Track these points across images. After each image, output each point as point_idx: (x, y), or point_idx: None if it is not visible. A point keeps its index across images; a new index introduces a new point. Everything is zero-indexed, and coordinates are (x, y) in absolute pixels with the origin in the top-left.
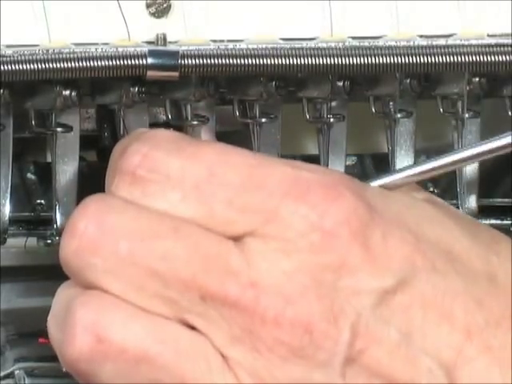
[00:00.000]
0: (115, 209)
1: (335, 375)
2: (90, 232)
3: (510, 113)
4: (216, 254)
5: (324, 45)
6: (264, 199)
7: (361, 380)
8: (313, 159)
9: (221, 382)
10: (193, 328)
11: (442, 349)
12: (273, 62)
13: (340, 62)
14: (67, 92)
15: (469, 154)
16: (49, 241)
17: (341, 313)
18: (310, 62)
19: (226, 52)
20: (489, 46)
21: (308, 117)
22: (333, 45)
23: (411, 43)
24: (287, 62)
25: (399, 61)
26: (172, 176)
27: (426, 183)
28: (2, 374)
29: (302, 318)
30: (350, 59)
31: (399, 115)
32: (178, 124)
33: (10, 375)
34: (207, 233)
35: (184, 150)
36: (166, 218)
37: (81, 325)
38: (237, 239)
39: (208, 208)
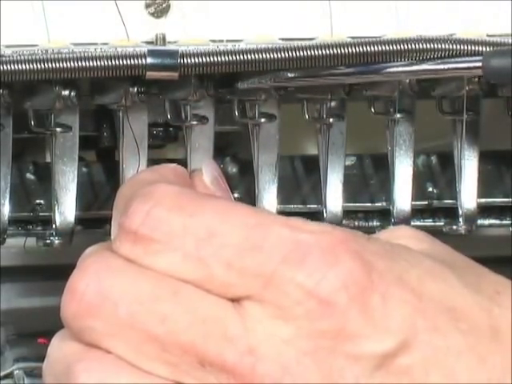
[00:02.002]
0: (115, 271)
1: None
2: (90, 295)
3: (509, 113)
4: (215, 319)
5: (323, 41)
6: (262, 263)
7: None
8: (312, 159)
9: None
10: None
11: None
12: (271, 57)
13: (338, 56)
14: (66, 92)
15: (437, 67)
16: (48, 241)
17: (340, 379)
18: (308, 55)
19: (226, 50)
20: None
21: (307, 117)
22: (332, 41)
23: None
24: (286, 56)
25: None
26: (173, 235)
27: (425, 183)
28: (2, 374)
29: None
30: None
31: (398, 115)
32: (177, 124)
33: (10, 375)
34: (206, 296)
35: (185, 208)
36: (165, 280)
37: None
38: (236, 301)
39: (207, 270)
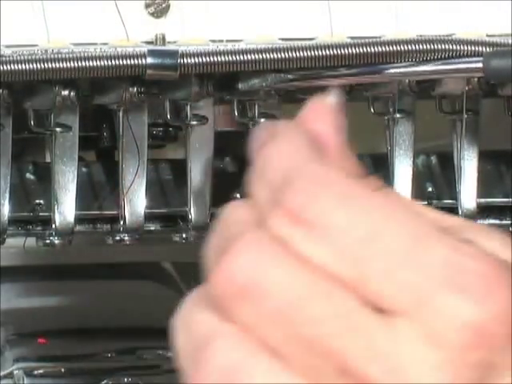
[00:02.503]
0: (272, 257)
1: None
2: (241, 278)
3: (509, 113)
4: (366, 330)
5: (324, 41)
6: (422, 281)
7: None
8: None
9: None
10: None
11: None
12: (271, 57)
13: (338, 56)
14: (66, 92)
15: (438, 68)
16: (47, 241)
17: None
18: (309, 55)
19: (226, 50)
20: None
21: None
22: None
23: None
24: (286, 56)
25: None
26: (337, 228)
27: (425, 183)
28: (2, 373)
29: None
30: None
31: (398, 115)
32: (177, 124)
33: (9, 375)
34: (359, 303)
35: (353, 201)
36: (321, 278)
37: (214, 368)
38: (386, 313)
39: (365, 273)
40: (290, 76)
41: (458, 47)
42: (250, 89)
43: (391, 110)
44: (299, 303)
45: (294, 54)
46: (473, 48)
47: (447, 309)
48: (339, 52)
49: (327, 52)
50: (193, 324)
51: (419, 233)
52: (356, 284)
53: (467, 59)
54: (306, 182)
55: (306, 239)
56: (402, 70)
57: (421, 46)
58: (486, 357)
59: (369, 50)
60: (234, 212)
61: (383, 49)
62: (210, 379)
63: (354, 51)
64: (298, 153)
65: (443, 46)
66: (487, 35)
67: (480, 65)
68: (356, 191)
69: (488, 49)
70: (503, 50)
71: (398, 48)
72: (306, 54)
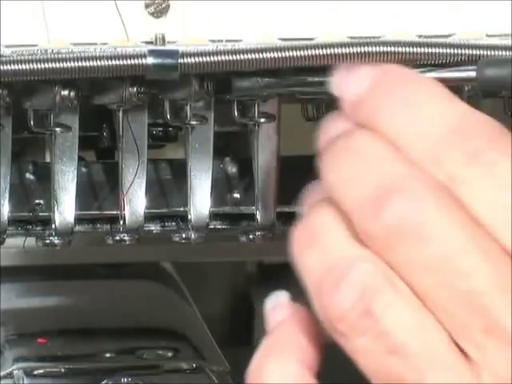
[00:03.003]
0: (436, 204)
1: None
2: (404, 218)
3: (509, 113)
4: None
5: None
6: None
7: None
8: (311, 159)
9: None
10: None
11: None
12: (272, 56)
13: (338, 55)
14: (66, 92)
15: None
16: (47, 241)
17: None
18: (309, 54)
19: (226, 50)
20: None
21: (307, 117)
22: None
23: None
24: (286, 55)
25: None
26: (504, 179)
27: None
28: (1, 373)
29: None
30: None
31: None
32: (176, 124)
33: (9, 375)
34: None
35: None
36: (480, 234)
37: (353, 288)
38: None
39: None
40: (286, 82)
41: (454, 51)
42: (244, 93)
43: None
44: (458, 255)
45: (295, 53)
46: (468, 52)
47: None
48: (338, 51)
49: (327, 51)
50: (329, 247)
51: None
52: (449, 305)
53: (461, 68)
54: (479, 129)
55: (473, 185)
56: None
57: (418, 50)
58: None
59: (366, 49)
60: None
61: (381, 49)
62: (348, 299)
63: (350, 51)
64: (451, 102)
65: (439, 50)
66: (487, 35)
67: (473, 73)
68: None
69: (483, 51)
70: (497, 58)
71: (398, 50)
72: (306, 52)
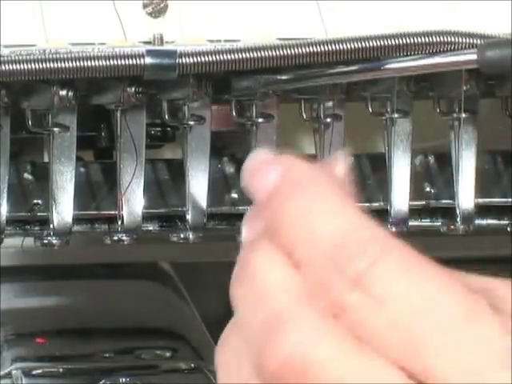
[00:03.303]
0: (326, 338)
1: None
2: (296, 361)
3: (507, 113)
4: None
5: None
6: (478, 360)
7: None
8: (311, 159)
9: None
10: None
11: None
12: (271, 55)
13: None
14: (64, 92)
15: (432, 62)
16: (46, 241)
17: None
18: (307, 51)
19: (224, 49)
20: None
21: (305, 117)
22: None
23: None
24: (284, 53)
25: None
26: (394, 299)
27: (423, 183)
28: (0, 373)
29: None
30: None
31: (396, 115)
32: (174, 124)
33: (8, 375)
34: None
35: (412, 270)
36: (374, 360)
37: None
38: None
39: (418, 349)
40: (283, 77)
41: (454, 39)
42: (243, 92)
43: (389, 110)
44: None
45: (293, 51)
46: (468, 40)
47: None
48: (334, 47)
49: (324, 48)
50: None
51: (472, 308)
52: (408, 359)
53: (461, 52)
54: (365, 247)
55: (365, 309)
56: (395, 65)
57: (417, 40)
58: None
59: (363, 44)
60: (271, 273)
61: (379, 43)
62: None
63: (349, 46)
64: (342, 213)
65: (439, 39)
66: None
67: (474, 56)
68: (413, 259)
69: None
70: (497, 40)
71: (394, 42)
72: (304, 50)
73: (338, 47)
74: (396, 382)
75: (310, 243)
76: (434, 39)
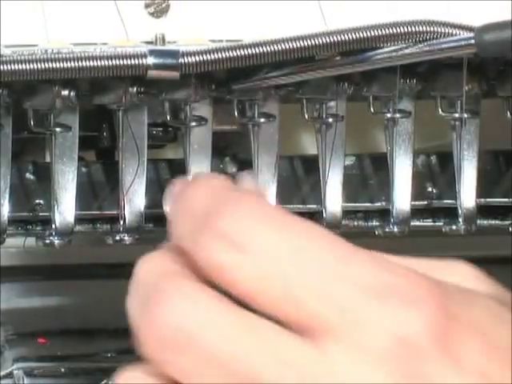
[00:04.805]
0: (195, 303)
1: None
2: (168, 329)
3: (508, 113)
4: (293, 359)
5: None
6: (348, 296)
7: None
8: (312, 159)
9: None
10: None
11: None
12: (272, 49)
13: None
14: (66, 92)
15: (429, 49)
16: (47, 241)
17: None
18: (308, 44)
19: (226, 46)
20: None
21: (307, 117)
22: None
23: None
24: (285, 47)
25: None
26: (261, 252)
27: (425, 183)
28: (2, 373)
29: None
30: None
31: (398, 115)
32: (176, 125)
33: (9, 375)
34: (286, 334)
35: (276, 226)
36: (245, 316)
37: None
38: (313, 333)
39: (290, 291)
40: (284, 71)
41: (448, 30)
42: (247, 87)
43: (391, 109)
44: (226, 344)
45: (294, 44)
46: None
47: (371, 323)
48: (335, 39)
49: (325, 40)
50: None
51: (341, 249)
52: (283, 309)
53: (458, 37)
54: (225, 214)
55: (232, 270)
56: (393, 54)
57: (411, 29)
58: (415, 368)
59: (360, 35)
60: (151, 261)
61: (374, 33)
62: None
63: (346, 37)
64: (218, 188)
65: (432, 28)
66: None
67: (472, 41)
68: (281, 214)
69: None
70: (494, 23)
71: (390, 31)
72: (306, 43)
73: (334, 39)
74: (276, 337)
75: (182, 220)
76: (425, 28)
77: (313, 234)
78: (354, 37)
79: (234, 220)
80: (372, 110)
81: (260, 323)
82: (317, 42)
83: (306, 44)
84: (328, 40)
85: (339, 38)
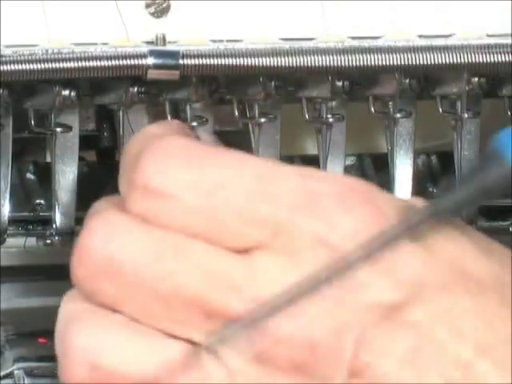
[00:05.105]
0: (122, 231)
1: None
2: (96, 257)
3: (509, 113)
4: (220, 271)
5: (323, 45)
6: (273, 211)
7: None
8: (312, 159)
9: None
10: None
11: (452, 365)
12: (273, 62)
13: (339, 62)
14: (66, 92)
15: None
16: (48, 241)
17: (345, 327)
18: (309, 61)
19: (227, 52)
20: (488, 46)
21: (307, 117)
22: (332, 44)
23: (410, 43)
24: (288, 62)
25: (398, 61)
26: (184, 188)
27: (425, 183)
28: (2, 373)
29: (304, 333)
30: (349, 57)
31: (398, 115)
32: None
33: (10, 375)
34: (212, 249)
35: (195, 160)
36: (169, 236)
37: (76, 352)
38: (245, 252)
39: (216, 220)
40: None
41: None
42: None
43: (391, 109)
44: (150, 263)
45: (298, 59)
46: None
47: (299, 230)
48: (344, 58)
49: (330, 59)
50: (60, 315)
51: (266, 171)
52: (211, 232)
53: None
54: (150, 158)
55: (158, 207)
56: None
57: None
58: (344, 272)
59: (370, 58)
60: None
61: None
62: (73, 368)
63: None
64: (146, 135)
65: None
66: (487, 35)
67: None
68: (196, 152)
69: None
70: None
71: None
72: (308, 59)
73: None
74: (204, 252)
75: (120, 171)
76: None
77: (233, 161)
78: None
79: (155, 165)
80: (372, 110)
81: (186, 242)
82: (324, 60)
83: (309, 60)
84: (339, 58)
85: (348, 59)
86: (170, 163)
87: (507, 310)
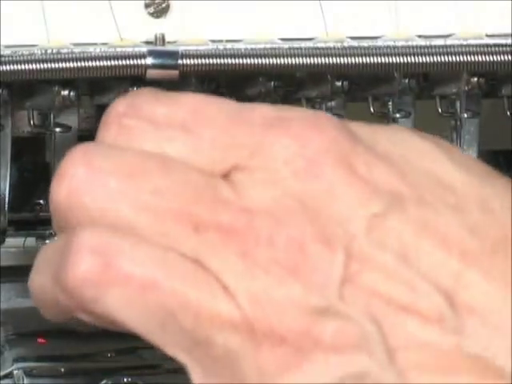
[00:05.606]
0: (102, 152)
1: (333, 296)
2: (80, 174)
3: (508, 113)
4: (205, 186)
5: (322, 45)
6: (247, 134)
7: (359, 301)
8: None
9: (224, 308)
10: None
11: (440, 274)
12: (273, 62)
13: (339, 62)
14: (66, 92)
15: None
16: (48, 241)
17: (333, 235)
18: (309, 62)
19: (226, 52)
20: (487, 45)
21: None
22: (331, 44)
23: (410, 43)
24: (287, 62)
25: (398, 60)
26: (157, 121)
27: None
28: (1, 373)
29: (295, 236)
30: (349, 59)
31: (398, 115)
32: None
33: (9, 375)
34: (196, 168)
35: (168, 97)
36: (153, 155)
37: (88, 246)
38: (224, 176)
39: (194, 148)
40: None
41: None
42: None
43: (391, 110)
44: (137, 177)
45: (298, 60)
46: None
47: (275, 148)
48: (347, 60)
49: (330, 60)
50: (42, 256)
51: (238, 105)
52: (189, 159)
53: None
54: (122, 98)
55: (133, 139)
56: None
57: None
58: (321, 185)
59: (370, 59)
60: None
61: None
62: (84, 262)
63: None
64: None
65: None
66: (487, 35)
67: None
68: (168, 93)
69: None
70: None
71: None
72: (307, 60)
73: (336, 61)
74: (186, 170)
75: None
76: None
77: (203, 97)
78: (364, 61)
79: (126, 101)
80: (372, 109)
81: (170, 160)
82: (323, 61)
83: (309, 61)
84: (343, 60)
85: (347, 60)
86: (143, 100)
87: (490, 218)
